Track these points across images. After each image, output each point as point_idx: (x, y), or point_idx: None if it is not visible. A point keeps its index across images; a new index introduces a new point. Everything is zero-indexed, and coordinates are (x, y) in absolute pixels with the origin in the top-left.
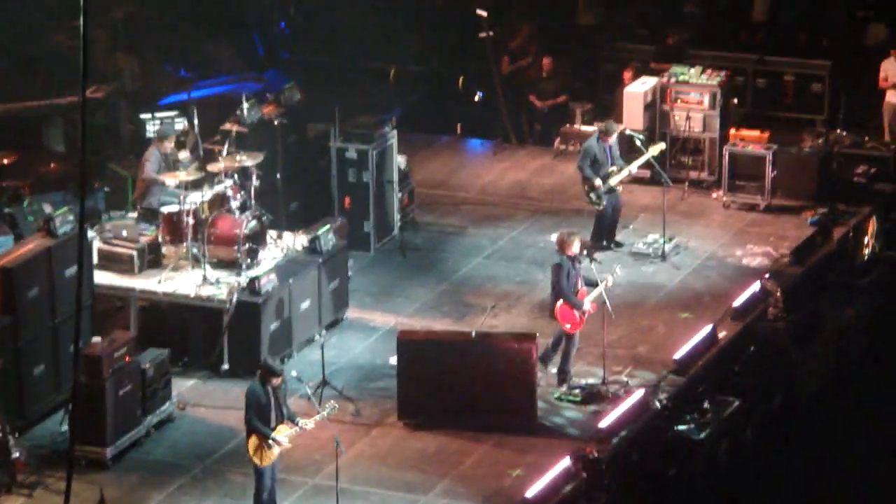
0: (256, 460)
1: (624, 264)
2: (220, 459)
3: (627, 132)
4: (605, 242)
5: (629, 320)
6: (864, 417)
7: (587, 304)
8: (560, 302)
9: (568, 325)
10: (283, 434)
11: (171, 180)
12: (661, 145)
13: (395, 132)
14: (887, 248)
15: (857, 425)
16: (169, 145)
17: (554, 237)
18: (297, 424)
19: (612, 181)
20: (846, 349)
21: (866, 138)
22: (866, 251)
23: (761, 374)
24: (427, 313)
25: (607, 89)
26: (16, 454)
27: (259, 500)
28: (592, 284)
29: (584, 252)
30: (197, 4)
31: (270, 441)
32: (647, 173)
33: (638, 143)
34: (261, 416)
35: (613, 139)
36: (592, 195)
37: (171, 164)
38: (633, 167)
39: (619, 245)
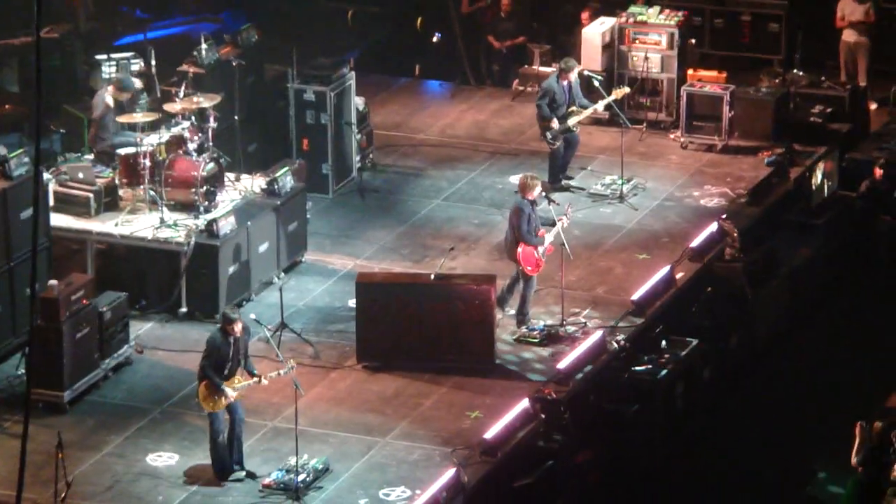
0: (205, 405)
1: (582, 206)
2: (178, 402)
3: (586, 73)
4: (560, 178)
5: (587, 261)
6: (819, 356)
7: (547, 244)
8: (521, 245)
9: (529, 268)
10: (236, 385)
11: (126, 121)
12: (626, 89)
13: (353, 74)
14: (842, 188)
15: (812, 364)
16: (125, 96)
17: (513, 179)
18: (254, 377)
19: (571, 121)
20: (802, 289)
21: (823, 78)
22: (822, 191)
23: (718, 315)
24: (386, 255)
25: (565, 30)
26: None
27: (214, 445)
28: (550, 224)
29: (543, 194)
30: None
31: (221, 391)
32: (605, 115)
33: (596, 83)
34: (216, 365)
35: (573, 77)
36: (548, 134)
37: (126, 108)
38: (597, 108)
39: (568, 178)
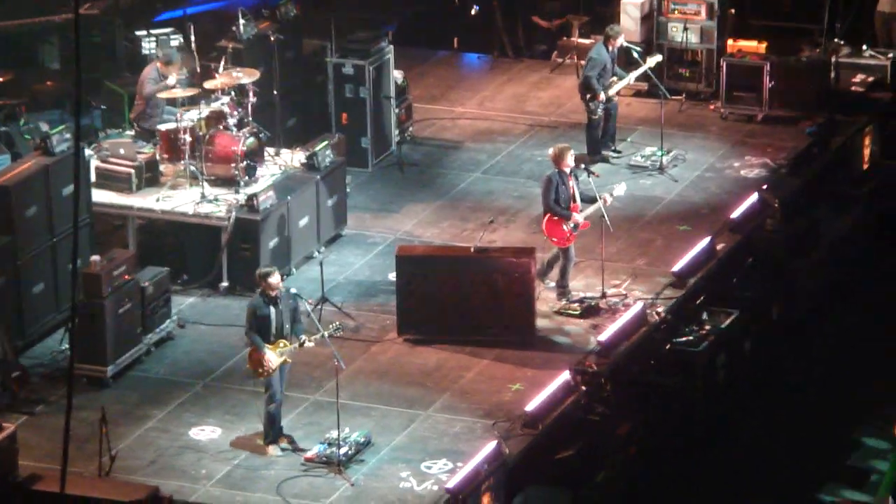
0: (254, 372)
1: (623, 178)
2: (220, 377)
3: (624, 44)
4: (612, 147)
5: (627, 233)
6: (861, 327)
7: (580, 219)
8: (547, 216)
9: (554, 240)
10: (279, 349)
11: (166, 96)
12: (658, 57)
13: (391, 47)
14: (884, 157)
15: (853, 335)
16: (172, 70)
17: (551, 151)
18: (300, 341)
19: (611, 91)
20: (843, 259)
21: (864, 47)
22: (863, 161)
23: (759, 286)
24: (425, 229)
25: (604, 1)
26: (16, 373)
27: (269, 412)
28: (591, 200)
29: (582, 166)
30: None
31: (264, 354)
32: (644, 86)
33: (635, 55)
34: (259, 330)
35: (619, 43)
36: (592, 104)
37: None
38: (631, 78)
39: (617, 151)
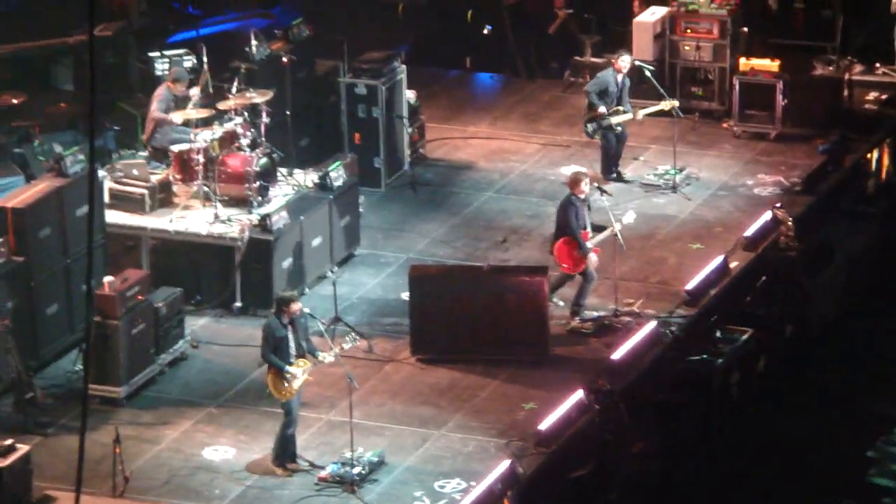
0: (276, 394)
1: (636, 197)
2: (233, 397)
3: (637, 63)
4: (612, 174)
5: (641, 252)
6: (874, 345)
7: (590, 245)
8: (559, 241)
9: (564, 266)
10: (301, 367)
11: (178, 118)
12: (675, 102)
13: (404, 67)
14: None
15: (867, 353)
16: (181, 88)
17: (564, 170)
18: (317, 358)
19: (614, 119)
20: (857, 277)
21: (877, 65)
22: (878, 178)
23: (773, 304)
24: (438, 248)
25: (617, 20)
26: (31, 394)
27: (284, 434)
28: (599, 227)
29: (595, 185)
30: None
31: (286, 374)
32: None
33: (647, 73)
34: (277, 350)
35: (626, 66)
36: (590, 125)
37: (181, 104)
38: (640, 115)
39: (621, 178)
